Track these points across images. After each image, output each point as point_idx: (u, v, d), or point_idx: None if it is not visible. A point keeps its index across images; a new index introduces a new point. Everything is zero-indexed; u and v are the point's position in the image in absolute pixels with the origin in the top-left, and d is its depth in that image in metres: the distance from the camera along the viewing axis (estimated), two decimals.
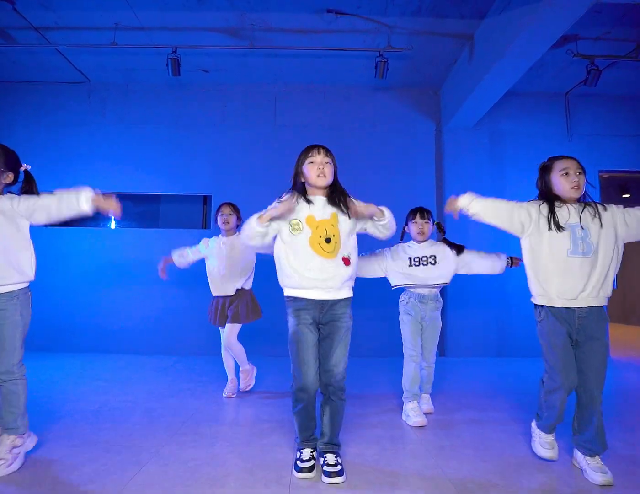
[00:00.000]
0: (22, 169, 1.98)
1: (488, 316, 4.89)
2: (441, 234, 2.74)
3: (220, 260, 3.02)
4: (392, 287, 2.69)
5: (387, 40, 4.08)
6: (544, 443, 1.99)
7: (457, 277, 2.69)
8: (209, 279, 3.12)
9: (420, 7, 3.71)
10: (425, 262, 2.60)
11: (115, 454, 2.01)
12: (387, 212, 1.96)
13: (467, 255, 2.65)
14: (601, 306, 1.89)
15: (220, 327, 3.10)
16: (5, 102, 5.15)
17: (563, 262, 1.86)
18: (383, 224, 1.96)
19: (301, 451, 1.92)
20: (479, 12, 3.75)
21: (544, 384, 1.96)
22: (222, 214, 3.07)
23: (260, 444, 2.16)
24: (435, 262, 2.60)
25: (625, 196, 8.39)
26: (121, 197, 5.28)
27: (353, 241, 1.97)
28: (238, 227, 3.08)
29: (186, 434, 2.29)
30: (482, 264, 2.64)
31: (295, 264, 1.87)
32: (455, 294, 4.84)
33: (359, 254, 2.11)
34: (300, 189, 1.96)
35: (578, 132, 5.21)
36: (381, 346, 4.72)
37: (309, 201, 1.92)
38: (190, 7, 3.73)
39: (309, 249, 1.86)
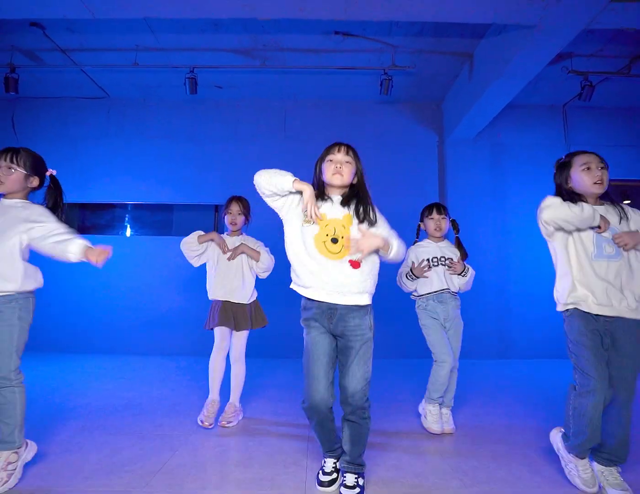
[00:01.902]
0: (47, 173, 2.01)
1: (488, 320, 5.10)
2: (455, 232, 2.73)
3: (221, 262, 2.73)
4: (419, 296, 2.65)
5: (391, 59, 4.32)
6: (582, 474, 1.80)
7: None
8: (212, 281, 2.76)
9: (422, 28, 3.94)
10: (443, 263, 2.58)
11: (150, 441, 2.24)
12: (395, 247, 1.79)
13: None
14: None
15: (217, 329, 2.66)
16: (29, 116, 5.43)
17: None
18: (387, 257, 1.81)
19: (325, 460, 1.86)
20: (477, 33, 3.99)
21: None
22: (230, 213, 2.78)
23: (278, 434, 2.39)
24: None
25: (626, 201, 8.60)
26: (137, 207, 5.64)
27: None
28: (245, 226, 2.88)
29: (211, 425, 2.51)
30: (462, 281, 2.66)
31: (293, 256, 1.80)
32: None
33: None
34: (318, 187, 1.87)
35: (575, 143, 5.42)
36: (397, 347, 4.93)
37: (325, 198, 1.83)
38: (206, 30, 3.99)
39: (312, 246, 1.75)
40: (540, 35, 3.16)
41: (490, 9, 2.92)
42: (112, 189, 5.35)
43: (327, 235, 1.74)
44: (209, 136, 5.41)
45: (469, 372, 4.24)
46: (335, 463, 1.84)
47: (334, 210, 1.80)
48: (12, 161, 1.88)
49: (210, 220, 5.70)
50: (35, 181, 1.96)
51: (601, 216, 1.80)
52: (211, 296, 2.73)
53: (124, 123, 5.46)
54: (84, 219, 5.82)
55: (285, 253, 1.84)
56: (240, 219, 2.78)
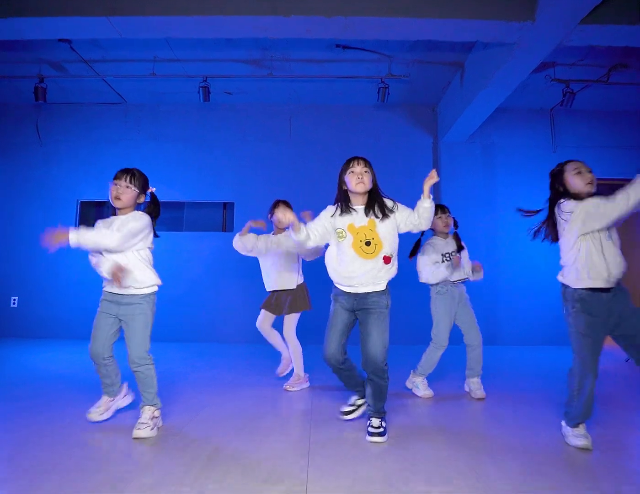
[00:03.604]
0: (149, 191, 2.28)
1: (479, 309, 5.48)
2: (455, 227, 2.99)
3: (272, 256, 3.16)
4: (437, 284, 2.89)
5: (387, 68, 4.70)
6: (576, 434, 2.06)
7: None
8: (263, 274, 3.25)
9: (416, 41, 4.31)
10: (450, 258, 2.85)
11: (225, 386, 3.04)
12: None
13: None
14: None
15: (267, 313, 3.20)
16: (51, 121, 5.84)
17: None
18: (425, 207, 2.12)
19: (350, 397, 2.40)
20: (466, 46, 4.36)
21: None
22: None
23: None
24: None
25: None
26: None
27: (394, 242, 2.18)
28: (287, 227, 3.15)
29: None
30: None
31: (336, 265, 2.18)
32: None
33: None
34: (344, 197, 2.21)
35: (561, 144, 5.79)
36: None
37: (350, 210, 2.18)
38: (219, 43, 4.38)
39: (352, 252, 2.13)
40: (519, 51, 3.53)
41: (473, 30, 3.29)
42: None
43: (360, 241, 2.13)
44: (219, 138, 5.80)
45: (462, 356, 4.63)
46: (357, 399, 2.35)
47: (360, 219, 2.17)
48: (130, 182, 2.17)
49: (219, 217, 6.09)
50: (142, 198, 2.25)
51: None
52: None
53: (139, 127, 5.85)
54: (101, 215, 6.22)
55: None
56: None
